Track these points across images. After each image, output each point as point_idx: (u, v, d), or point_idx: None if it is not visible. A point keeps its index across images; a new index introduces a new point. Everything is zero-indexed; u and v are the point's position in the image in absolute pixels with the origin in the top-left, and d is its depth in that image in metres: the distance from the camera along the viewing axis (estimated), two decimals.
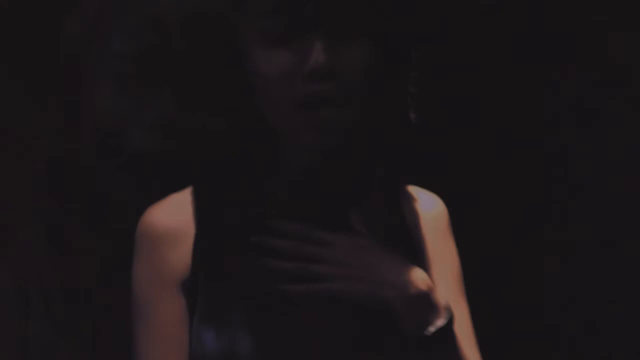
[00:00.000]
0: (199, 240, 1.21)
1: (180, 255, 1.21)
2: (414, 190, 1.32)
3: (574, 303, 2.11)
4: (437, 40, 1.87)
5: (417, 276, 1.17)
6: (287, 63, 1.16)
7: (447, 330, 1.16)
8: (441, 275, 1.24)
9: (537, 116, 2.14)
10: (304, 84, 1.15)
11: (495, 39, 2.11)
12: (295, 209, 1.22)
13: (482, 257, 1.93)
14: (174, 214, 1.23)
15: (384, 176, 1.27)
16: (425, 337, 1.15)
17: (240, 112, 1.24)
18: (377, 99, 1.22)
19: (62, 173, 1.47)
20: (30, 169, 1.48)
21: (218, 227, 1.22)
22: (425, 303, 1.16)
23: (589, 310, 2.11)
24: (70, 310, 1.41)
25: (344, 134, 1.19)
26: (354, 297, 1.16)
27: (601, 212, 2.12)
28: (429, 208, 1.30)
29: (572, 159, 2.14)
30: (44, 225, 1.45)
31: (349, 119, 1.18)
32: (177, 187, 1.27)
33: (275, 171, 1.24)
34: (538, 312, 2.13)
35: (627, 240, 2.10)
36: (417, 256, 1.24)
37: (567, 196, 2.15)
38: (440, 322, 1.16)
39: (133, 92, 1.42)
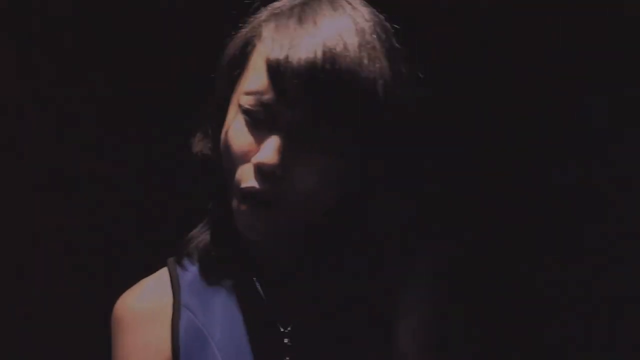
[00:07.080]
0: (176, 319, 1.21)
1: (159, 335, 1.21)
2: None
3: None
4: None
5: None
6: (246, 148, 1.12)
7: None
8: (409, 330, 1.16)
9: None
10: (247, 175, 1.11)
11: None
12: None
13: None
14: (148, 297, 1.25)
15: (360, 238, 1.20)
16: None
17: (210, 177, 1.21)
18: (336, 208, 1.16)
19: None
20: None
21: (195, 304, 1.22)
22: None
23: None
24: None
25: (278, 234, 1.14)
26: None
27: None
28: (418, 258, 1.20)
29: None
30: None
31: (284, 223, 1.13)
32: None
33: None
34: None
35: None
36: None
37: None
38: None
39: None
